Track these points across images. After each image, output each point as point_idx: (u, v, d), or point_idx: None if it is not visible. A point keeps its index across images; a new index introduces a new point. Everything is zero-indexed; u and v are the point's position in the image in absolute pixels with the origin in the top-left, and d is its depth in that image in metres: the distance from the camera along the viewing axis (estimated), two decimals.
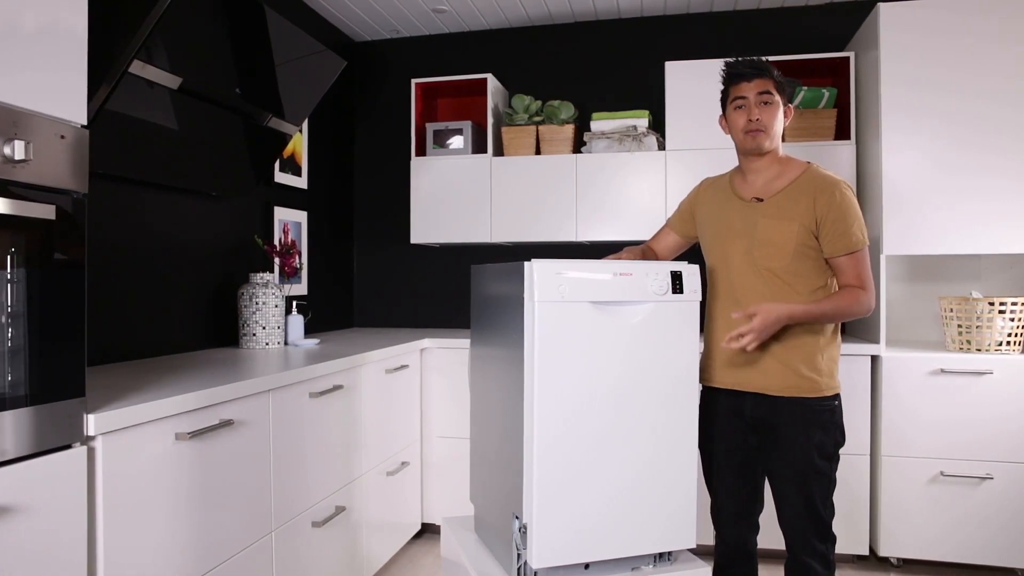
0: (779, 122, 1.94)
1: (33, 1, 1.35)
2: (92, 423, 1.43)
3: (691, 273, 1.89)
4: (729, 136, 2.02)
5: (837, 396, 1.94)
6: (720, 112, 2.04)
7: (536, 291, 1.75)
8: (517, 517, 1.81)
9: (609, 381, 1.82)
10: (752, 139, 1.93)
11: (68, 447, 1.40)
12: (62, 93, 1.40)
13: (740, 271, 1.95)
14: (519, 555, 1.82)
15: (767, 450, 1.95)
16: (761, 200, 1.95)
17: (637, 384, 1.84)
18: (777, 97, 1.92)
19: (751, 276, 1.93)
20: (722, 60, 2.01)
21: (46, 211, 1.32)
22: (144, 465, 1.58)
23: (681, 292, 1.86)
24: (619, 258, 2.07)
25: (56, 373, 1.38)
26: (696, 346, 1.90)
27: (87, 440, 1.44)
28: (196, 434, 1.71)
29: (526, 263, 1.77)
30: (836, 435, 1.91)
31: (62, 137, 1.37)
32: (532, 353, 1.76)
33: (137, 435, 1.56)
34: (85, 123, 1.44)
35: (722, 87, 2.01)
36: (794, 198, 1.90)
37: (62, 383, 1.39)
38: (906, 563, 2.90)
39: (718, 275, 2.01)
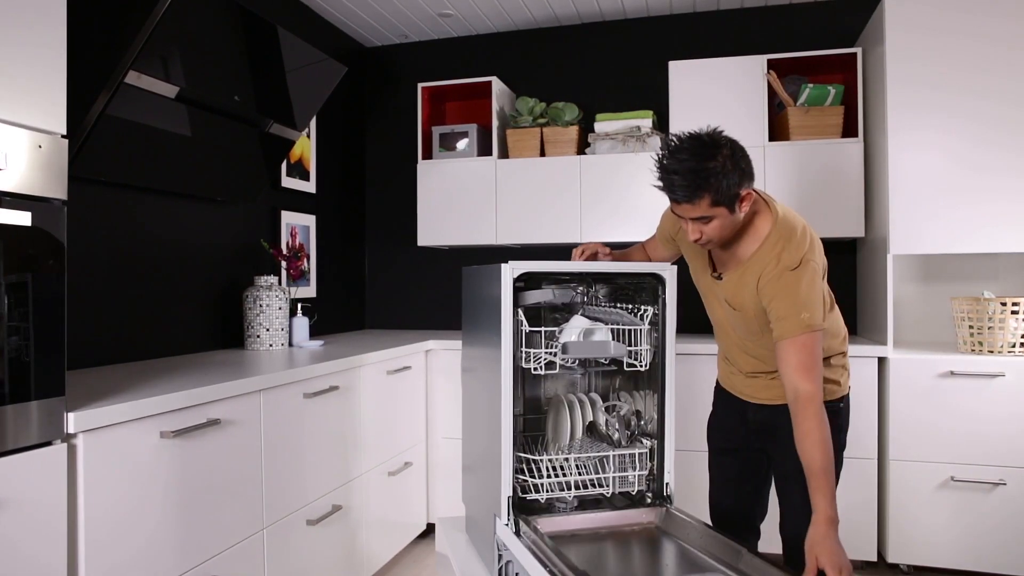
0: (730, 225, 1.72)
1: (9, 13, 1.40)
2: (72, 421, 1.49)
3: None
4: None
5: (841, 399, 1.89)
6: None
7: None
8: (497, 517, 1.83)
9: None
10: (703, 247, 1.84)
11: (48, 444, 1.45)
12: (39, 104, 1.45)
13: (724, 331, 1.95)
14: (500, 555, 1.84)
15: (769, 451, 1.95)
16: (720, 278, 1.86)
17: None
18: (720, 209, 1.66)
19: (734, 340, 1.92)
20: (666, 144, 1.76)
21: (22, 218, 1.37)
22: (128, 462, 1.63)
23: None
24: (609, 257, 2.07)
25: (36, 373, 1.43)
26: None
27: (68, 438, 1.50)
28: (181, 432, 1.75)
29: (503, 264, 1.79)
30: (837, 436, 1.84)
31: (39, 147, 1.43)
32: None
33: (120, 433, 1.61)
34: (64, 133, 1.50)
35: None
36: (748, 276, 1.77)
37: (42, 382, 1.44)
38: (916, 570, 2.83)
39: (710, 317, 2.00)
